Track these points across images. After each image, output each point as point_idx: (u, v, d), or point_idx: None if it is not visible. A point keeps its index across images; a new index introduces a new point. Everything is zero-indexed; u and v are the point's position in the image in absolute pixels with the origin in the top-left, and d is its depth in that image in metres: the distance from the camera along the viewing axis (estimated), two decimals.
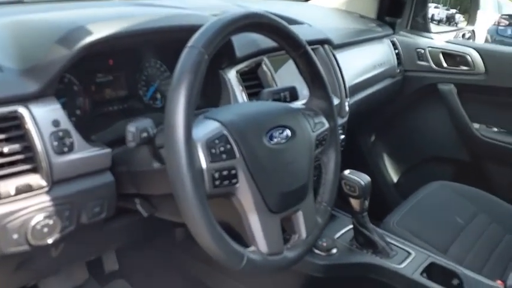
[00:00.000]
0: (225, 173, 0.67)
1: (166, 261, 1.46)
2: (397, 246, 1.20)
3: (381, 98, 1.73)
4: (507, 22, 6.41)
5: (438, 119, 1.87)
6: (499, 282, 1.13)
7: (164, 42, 0.98)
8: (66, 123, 0.74)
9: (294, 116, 0.81)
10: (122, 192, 0.83)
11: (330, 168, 0.89)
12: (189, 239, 1.30)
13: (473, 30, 2.52)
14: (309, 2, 2.02)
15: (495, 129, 1.79)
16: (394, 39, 1.86)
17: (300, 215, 0.79)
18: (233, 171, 0.68)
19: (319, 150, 0.85)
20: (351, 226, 1.21)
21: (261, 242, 0.71)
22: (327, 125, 0.86)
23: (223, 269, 1.26)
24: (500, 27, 6.44)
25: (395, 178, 2.07)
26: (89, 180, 0.77)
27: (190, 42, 0.67)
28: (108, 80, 0.95)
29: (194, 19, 0.96)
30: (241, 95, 1.02)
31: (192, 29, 0.95)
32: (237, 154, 0.69)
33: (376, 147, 2.05)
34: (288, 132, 0.77)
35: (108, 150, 0.80)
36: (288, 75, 1.14)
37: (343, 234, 1.22)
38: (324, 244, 1.14)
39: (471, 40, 2.37)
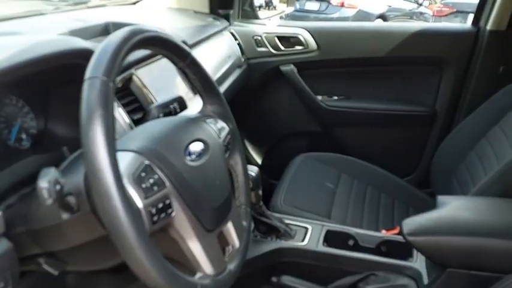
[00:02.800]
0: (160, 205, 0.63)
1: None
2: (294, 224, 1.27)
3: (234, 89, 1.77)
4: None
5: (287, 98, 2.01)
6: (383, 231, 1.29)
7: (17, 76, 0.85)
8: None
9: (200, 126, 0.79)
10: (22, 255, 0.71)
11: (239, 170, 0.89)
12: (83, 282, 1.18)
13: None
14: (137, 4, 1.95)
15: (335, 98, 2.00)
16: (232, 30, 1.92)
17: (230, 225, 0.79)
18: (167, 201, 0.64)
19: (227, 155, 0.84)
20: None
21: (207, 265, 0.69)
22: (227, 128, 0.86)
23: None
24: None
25: (259, 161, 2.17)
26: None
27: (88, 74, 0.59)
28: None
29: (49, 46, 0.85)
30: (120, 115, 0.95)
31: (51, 57, 0.84)
32: (167, 182, 0.65)
33: None
34: (201, 145, 0.74)
35: None
36: (159, 83, 1.10)
37: None
38: None
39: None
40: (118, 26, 1.28)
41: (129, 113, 0.98)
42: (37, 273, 0.80)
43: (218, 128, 0.83)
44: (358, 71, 1.95)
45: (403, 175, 1.93)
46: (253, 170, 1.11)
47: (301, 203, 1.47)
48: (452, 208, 1.05)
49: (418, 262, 1.13)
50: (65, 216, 0.65)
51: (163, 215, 0.63)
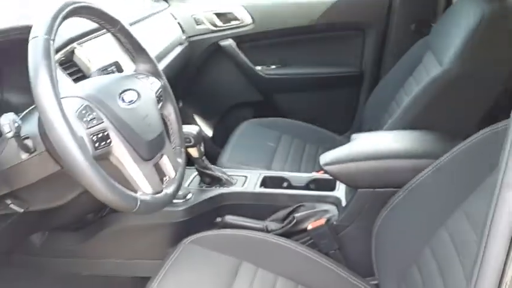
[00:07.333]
0: (100, 135, 0.78)
1: (25, 276, 1.42)
2: (236, 175, 1.44)
3: (176, 65, 1.91)
4: None
5: (229, 71, 2.16)
6: (314, 173, 1.47)
7: None
8: None
9: (133, 80, 0.94)
10: None
11: (173, 119, 1.05)
12: (50, 238, 1.30)
13: None
14: None
15: (273, 67, 2.17)
16: (171, 11, 2.05)
17: (165, 159, 0.94)
18: (105, 133, 0.79)
19: (159, 106, 0.99)
20: (196, 173, 1.40)
21: (145, 186, 0.84)
22: (159, 83, 1.01)
23: (92, 252, 1.32)
24: None
25: (210, 133, 2.32)
26: None
27: (32, 34, 0.74)
28: None
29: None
30: (66, 82, 1.08)
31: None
32: (104, 118, 0.80)
33: (185, 111, 2.26)
34: (134, 93, 0.90)
35: None
36: (99, 55, 1.23)
37: (191, 181, 1.40)
38: (180, 193, 1.30)
39: None
40: None
41: (75, 81, 1.12)
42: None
43: (150, 83, 0.98)
44: (291, 40, 2.12)
45: (340, 132, 2.13)
46: (193, 129, 1.27)
47: (245, 159, 1.64)
48: (361, 140, 1.24)
49: (339, 191, 1.31)
50: (24, 156, 0.81)
51: (103, 143, 0.79)
